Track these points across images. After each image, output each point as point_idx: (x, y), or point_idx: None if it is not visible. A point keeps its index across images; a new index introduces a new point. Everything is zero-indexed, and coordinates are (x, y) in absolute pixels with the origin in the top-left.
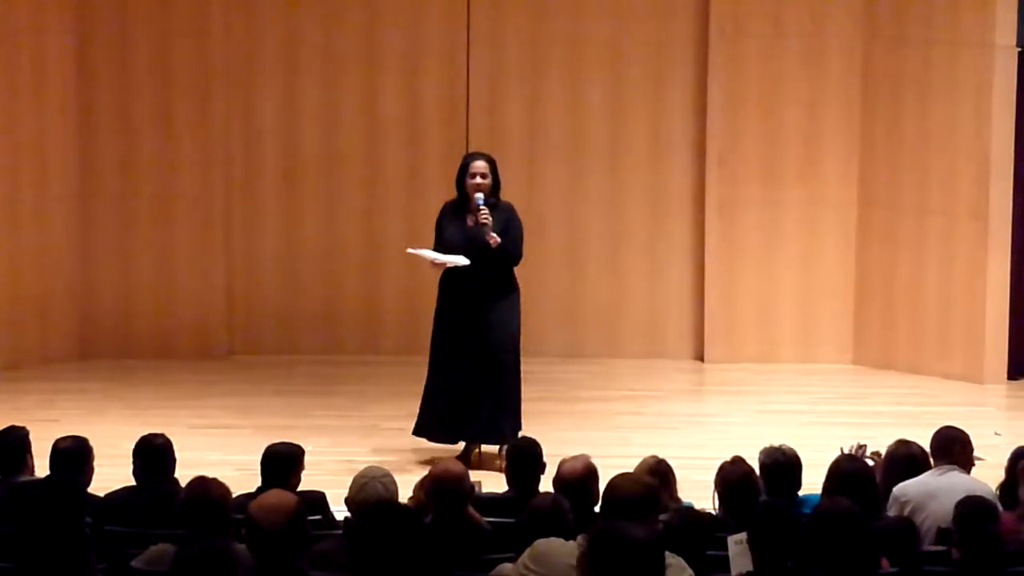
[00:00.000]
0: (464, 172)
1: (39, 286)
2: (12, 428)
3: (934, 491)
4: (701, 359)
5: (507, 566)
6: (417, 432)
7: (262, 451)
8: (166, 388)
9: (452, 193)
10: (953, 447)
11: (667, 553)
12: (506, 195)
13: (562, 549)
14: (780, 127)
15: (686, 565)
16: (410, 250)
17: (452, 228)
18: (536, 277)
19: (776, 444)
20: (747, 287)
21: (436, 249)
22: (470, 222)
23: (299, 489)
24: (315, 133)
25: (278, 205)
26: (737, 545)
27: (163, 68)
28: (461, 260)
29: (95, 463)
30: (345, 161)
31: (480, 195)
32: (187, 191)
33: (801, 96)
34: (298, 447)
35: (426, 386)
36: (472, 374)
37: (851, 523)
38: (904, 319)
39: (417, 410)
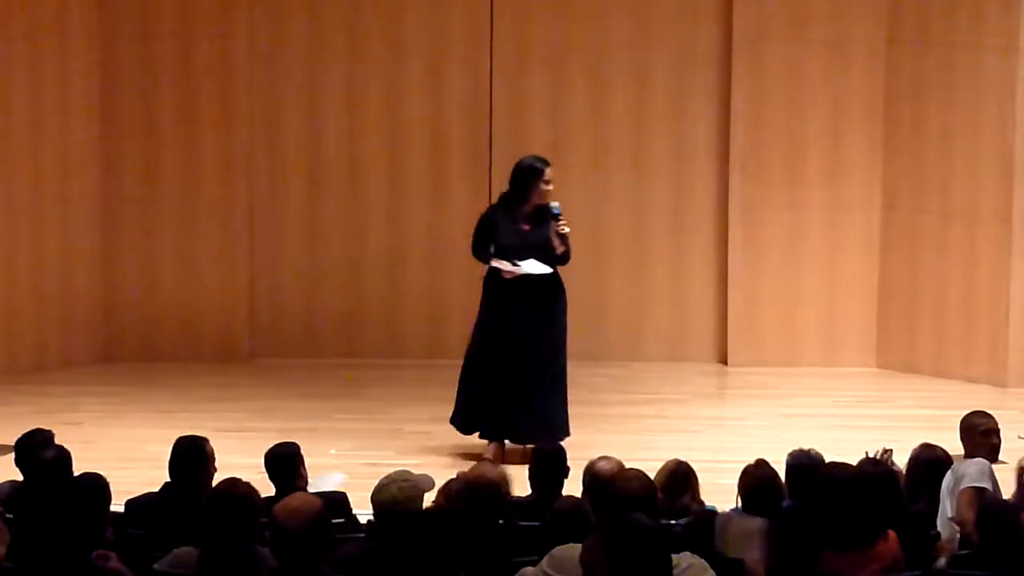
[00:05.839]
0: (535, 177)
1: (62, 289)
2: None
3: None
4: (724, 362)
5: (529, 570)
6: (465, 428)
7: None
8: (189, 391)
9: (474, 196)
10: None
11: (688, 554)
12: None
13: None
14: (803, 130)
15: (708, 566)
16: (493, 263)
17: (508, 231)
18: None
19: (804, 447)
20: (770, 290)
21: (493, 251)
22: (525, 226)
23: (322, 491)
24: (338, 136)
25: (301, 208)
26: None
27: (186, 70)
28: (544, 268)
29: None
30: (368, 165)
31: (557, 204)
32: (210, 194)
33: (824, 99)
34: (293, 444)
35: (470, 382)
36: (531, 373)
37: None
38: (928, 322)
39: (455, 406)
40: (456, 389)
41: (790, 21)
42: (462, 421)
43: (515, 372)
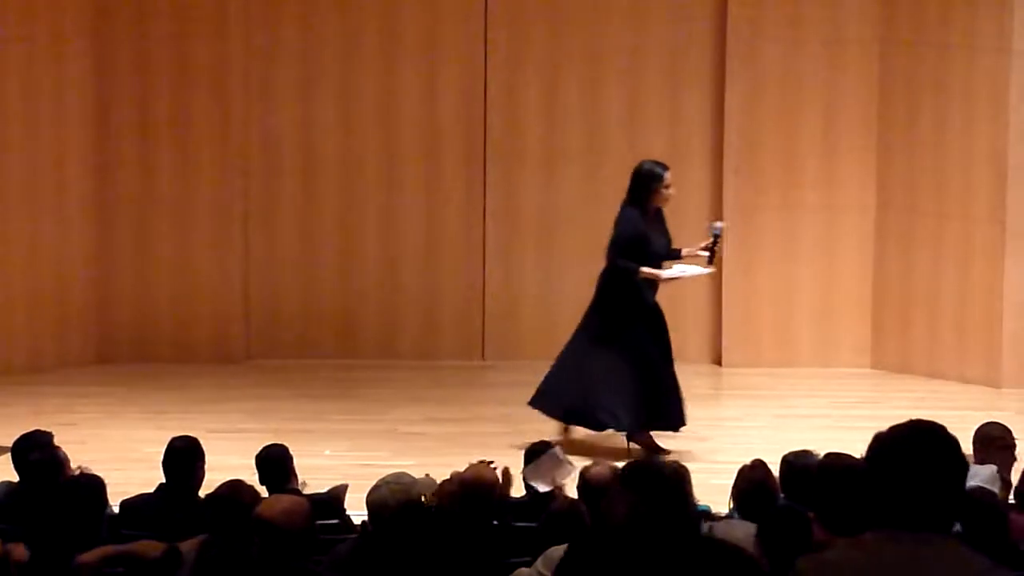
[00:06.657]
0: (657, 182)
1: (58, 290)
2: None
3: None
4: (719, 363)
5: (524, 570)
6: (656, 425)
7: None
8: (184, 392)
9: (470, 198)
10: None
11: None
12: (524, 197)
13: None
14: (798, 131)
15: None
16: (680, 273)
17: (655, 237)
18: (553, 281)
19: (803, 449)
20: (765, 291)
21: (647, 258)
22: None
23: (316, 492)
24: (333, 136)
25: (296, 208)
26: None
27: (181, 71)
28: (703, 270)
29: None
30: (363, 165)
31: (721, 225)
32: (205, 194)
33: (819, 100)
34: (283, 446)
35: (645, 381)
36: (672, 370)
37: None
38: (922, 323)
39: (634, 413)
40: (628, 398)
41: (784, 22)
42: (647, 420)
43: (669, 367)
